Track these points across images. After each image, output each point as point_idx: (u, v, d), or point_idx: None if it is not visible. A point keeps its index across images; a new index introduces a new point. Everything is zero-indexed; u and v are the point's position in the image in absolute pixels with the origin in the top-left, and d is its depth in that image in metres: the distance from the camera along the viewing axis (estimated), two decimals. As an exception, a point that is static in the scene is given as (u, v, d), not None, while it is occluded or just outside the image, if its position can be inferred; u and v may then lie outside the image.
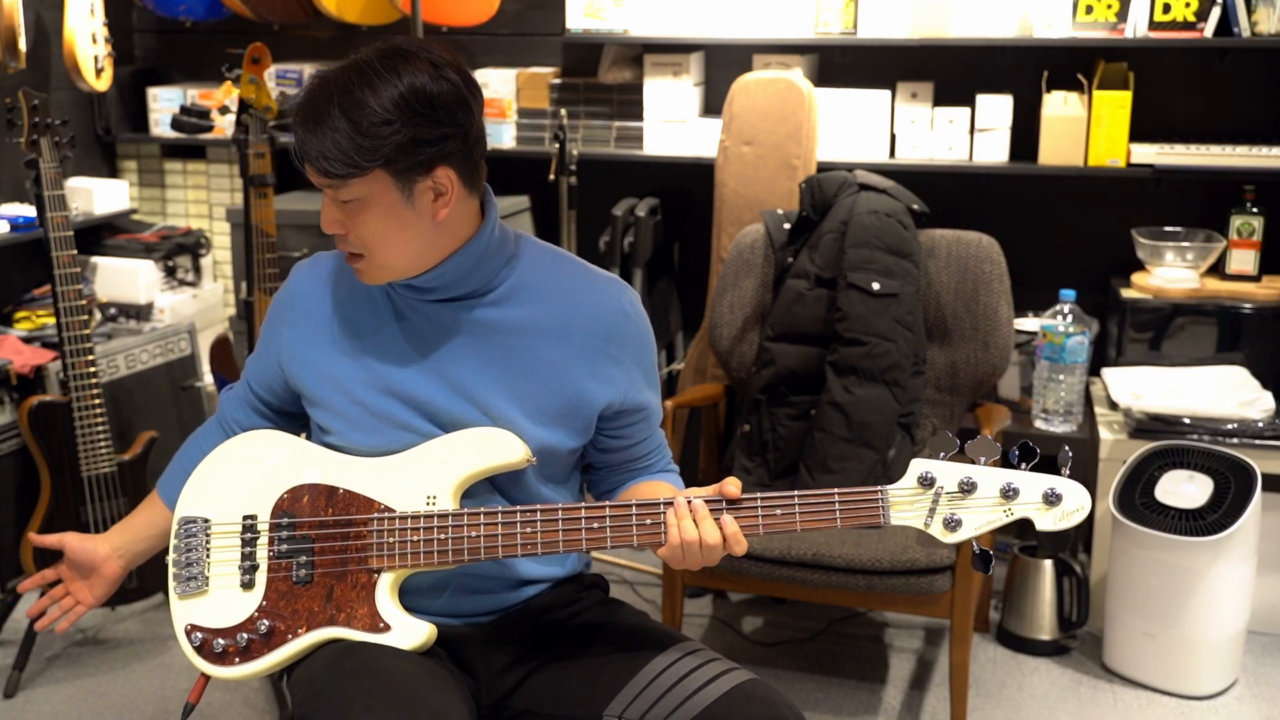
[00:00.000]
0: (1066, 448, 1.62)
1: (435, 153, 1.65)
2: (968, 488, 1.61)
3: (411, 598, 1.76)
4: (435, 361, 1.75)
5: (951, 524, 1.61)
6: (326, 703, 1.62)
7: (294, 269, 1.89)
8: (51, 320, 3.55)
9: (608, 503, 1.68)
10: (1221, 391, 3.25)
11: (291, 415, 1.90)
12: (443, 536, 1.69)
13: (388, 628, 1.70)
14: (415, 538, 1.70)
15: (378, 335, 1.77)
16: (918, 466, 1.62)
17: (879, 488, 1.63)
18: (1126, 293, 3.52)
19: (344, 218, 1.68)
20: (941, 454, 1.62)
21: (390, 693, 1.60)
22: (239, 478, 1.80)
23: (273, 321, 1.87)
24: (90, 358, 3.01)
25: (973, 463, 1.62)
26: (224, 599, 1.76)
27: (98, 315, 3.84)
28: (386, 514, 1.72)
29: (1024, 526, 3.57)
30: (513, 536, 1.68)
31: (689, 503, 1.65)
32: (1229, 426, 3.16)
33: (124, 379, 3.52)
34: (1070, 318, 3.33)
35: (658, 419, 1.90)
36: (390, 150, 1.62)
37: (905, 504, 1.62)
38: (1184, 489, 3.01)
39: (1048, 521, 1.61)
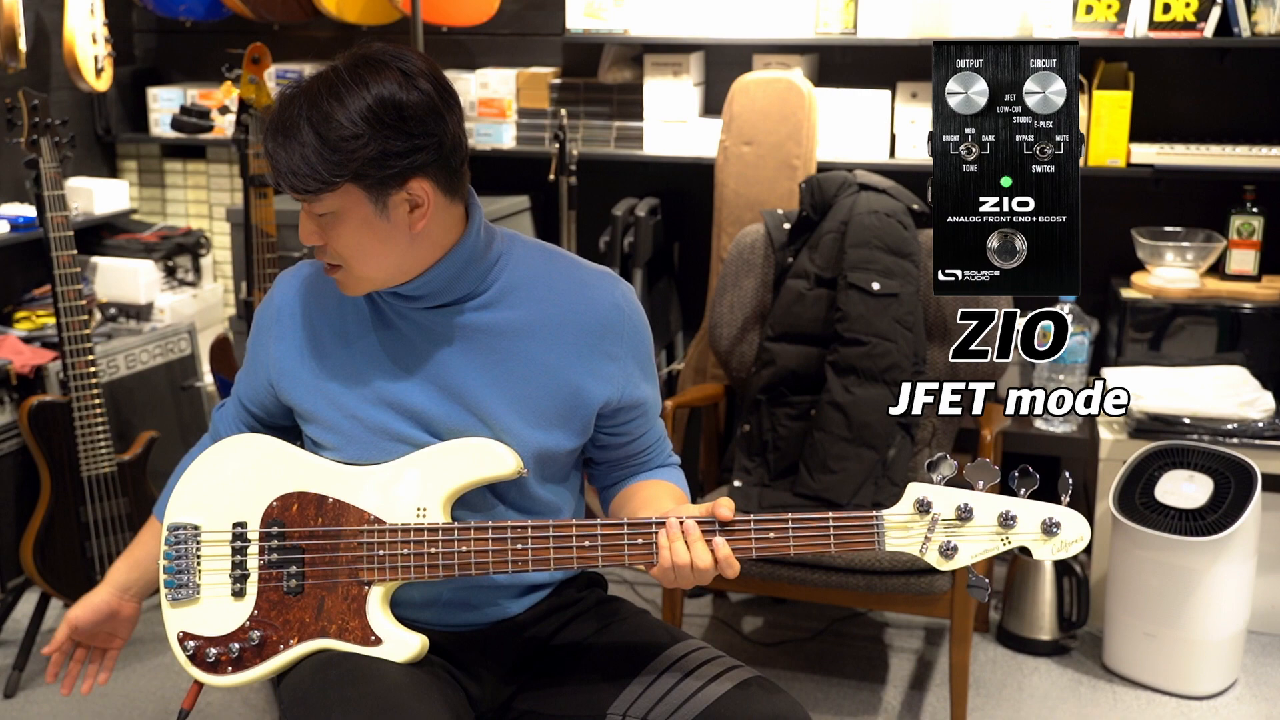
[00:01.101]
0: (1067, 474, 1.59)
1: (407, 165, 1.62)
2: (965, 515, 1.59)
3: (412, 607, 1.76)
4: (428, 369, 1.73)
5: (947, 551, 1.59)
6: (308, 710, 1.62)
7: (277, 279, 1.86)
8: (51, 320, 3.55)
9: (599, 520, 1.67)
10: (1221, 391, 3.25)
11: (286, 429, 1.88)
12: (433, 550, 1.68)
13: (379, 641, 1.69)
14: (405, 550, 1.69)
15: (368, 345, 1.75)
16: (915, 491, 1.60)
17: (875, 513, 1.61)
18: (1126, 293, 3.52)
19: (320, 230, 1.67)
20: (939, 477, 1.60)
21: (370, 702, 1.59)
22: (228, 484, 1.79)
23: (259, 336, 1.84)
24: (90, 358, 3.01)
25: (971, 487, 1.59)
26: (215, 607, 1.76)
27: (98, 315, 3.84)
28: (376, 525, 1.71)
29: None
30: (503, 553, 1.67)
31: (681, 524, 1.63)
32: (1229, 426, 3.16)
33: (124, 379, 3.52)
34: (1070, 318, 3.33)
35: (656, 411, 1.88)
36: (359, 164, 1.59)
37: (900, 529, 1.60)
38: (1184, 489, 3.01)
39: (1046, 552, 1.58)
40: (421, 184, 1.64)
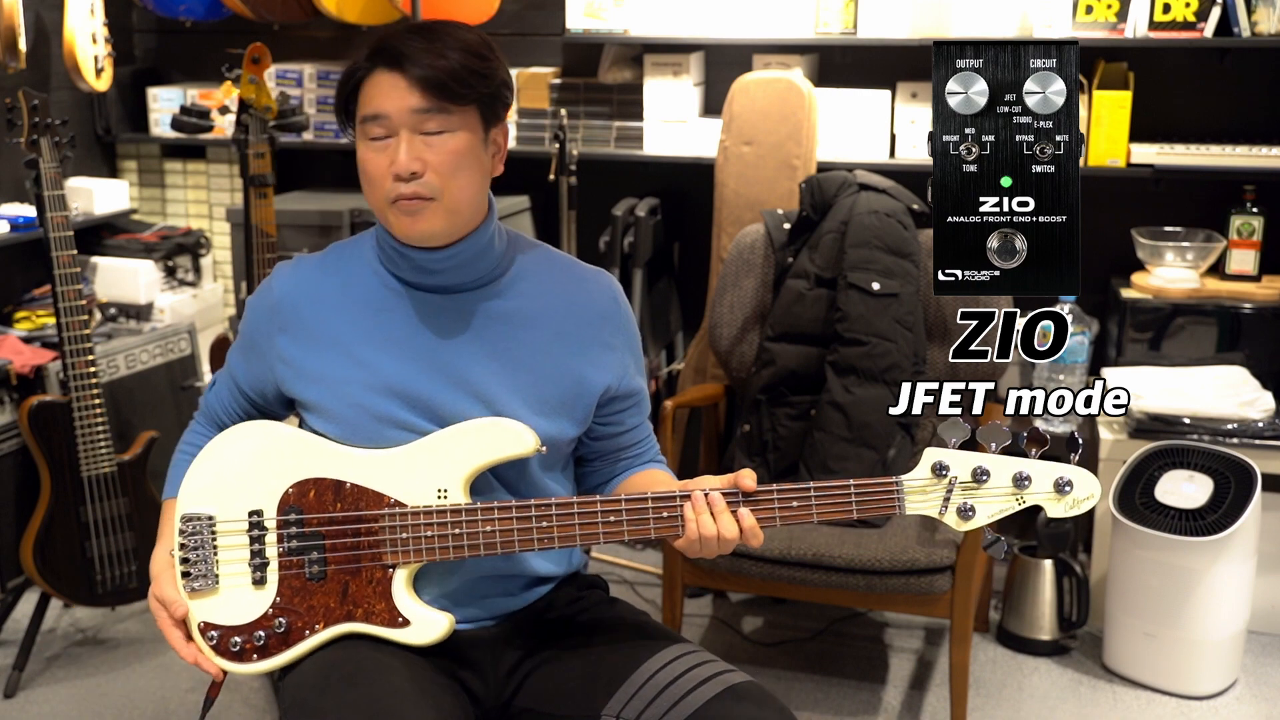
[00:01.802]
0: (1075, 433, 1.63)
1: (506, 104, 1.75)
2: (981, 477, 1.63)
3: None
4: (436, 357, 1.75)
5: (965, 512, 1.63)
6: (306, 712, 1.63)
7: (276, 271, 1.86)
8: (51, 320, 3.55)
9: (623, 495, 1.69)
10: (1221, 391, 3.25)
11: (279, 416, 1.89)
12: (457, 531, 1.69)
13: (407, 622, 1.71)
14: (429, 532, 1.70)
15: (375, 334, 1.77)
16: (931, 455, 1.64)
17: (895, 478, 1.65)
18: (1126, 293, 3.52)
19: (424, 156, 1.69)
20: (952, 441, 1.64)
21: (368, 705, 1.60)
22: (240, 472, 1.79)
23: (260, 326, 1.83)
24: (90, 358, 3.01)
25: (984, 449, 1.64)
26: (236, 596, 1.76)
27: (98, 315, 3.84)
28: (398, 509, 1.72)
29: (1024, 527, 3.57)
30: (528, 530, 1.68)
31: (706, 496, 1.66)
32: (1229, 426, 3.16)
33: (124, 379, 3.52)
34: (1070, 318, 3.33)
35: (647, 408, 1.92)
36: (494, 86, 1.71)
37: (919, 493, 1.64)
38: (1184, 489, 3.01)
39: (1059, 509, 1.63)
40: (504, 129, 1.78)
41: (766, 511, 1.66)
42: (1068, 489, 1.62)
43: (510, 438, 1.71)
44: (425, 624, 1.71)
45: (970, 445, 1.64)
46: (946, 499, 1.64)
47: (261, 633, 1.74)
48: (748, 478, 1.66)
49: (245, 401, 1.89)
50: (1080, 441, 1.63)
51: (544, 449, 1.73)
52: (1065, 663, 3.19)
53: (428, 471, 1.72)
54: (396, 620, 1.70)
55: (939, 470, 1.64)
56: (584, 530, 1.68)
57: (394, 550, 1.71)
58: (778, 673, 3.13)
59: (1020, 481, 1.63)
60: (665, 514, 1.67)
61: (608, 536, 1.68)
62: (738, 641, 3.30)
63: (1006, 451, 1.64)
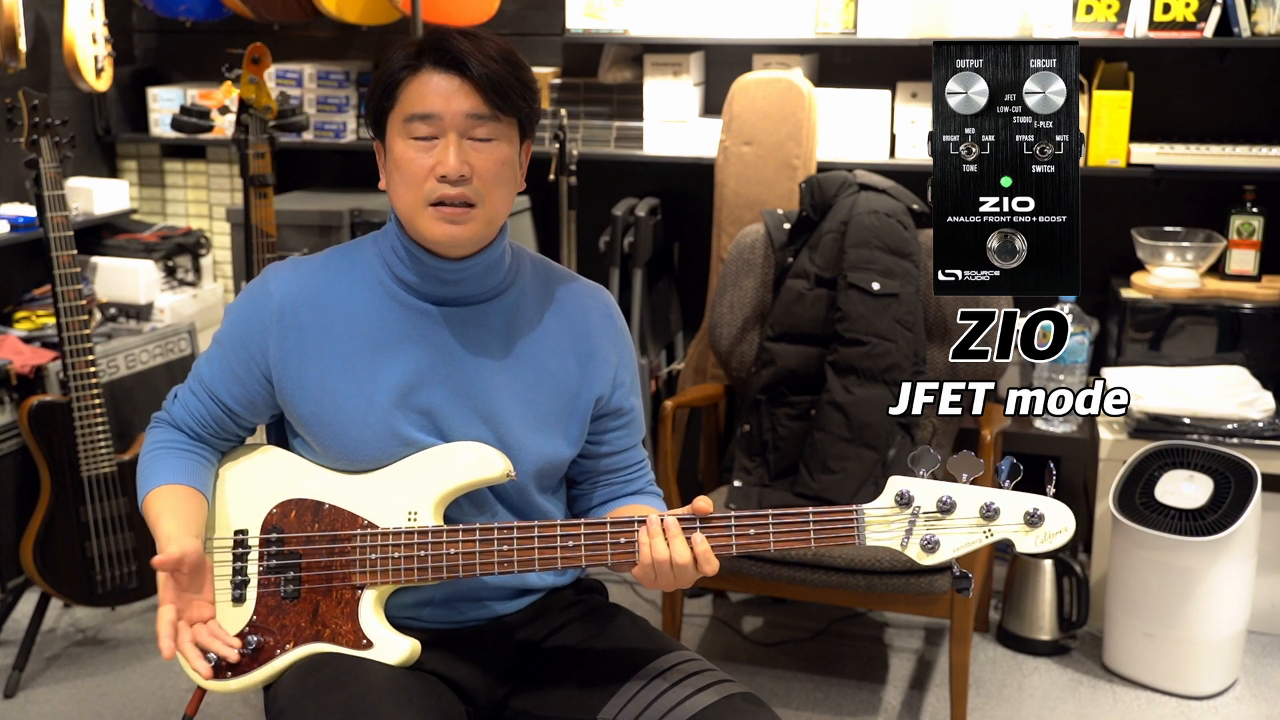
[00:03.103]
0: (1051, 465, 1.58)
1: (537, 120, 1.77)
2: (946, 507, 1.57)
3: (408, 607, 1.77)
4: (440, 369, 1.74)
5: (929, 545, 1.57)
6: (288, 717, 1.63)
7: (272, 275, 1.78)
8: (51, 320, 3.54)
9: (583, 520, 1.68)
10: (1221, 391, 3.25)
11: (250, 430, 1.86)
12: (423, 554, 1.69)
13: (371, 644, 1.70)
14: (397, 554, 1.70)
15: (379, 346, 1.74)
16: (895, 484, 1.59)
17: (854, 507, 1.59)
18: (1126, 293, 3.52)
19: (474, 159, 1.68)
20: (922, 470, 1.58)
21: (348, 705, 1.60)
22: (229, 492, 1.80)
23: (255, 332, 1.76)
24: (90, 358, 3.01)
25: (954, 480, 1.58)
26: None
27: (98, 315, 3.84)
28: (369, 529, 1.72)
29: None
30: (490, 554, 1.68)
31: (662, 520, 1.64)
32: (1229, 426, 3.16)
33: (124, 379, 3.52)
34: (1070, 318, 3.33)
35: (640, 433, 1.90)
36: (536, 101, 1.73)
37: (881, 524, 1.59)
38: (1184, 489, 3.01)
39: (1029, 544, 1.56)
40: (530, 146, 1.78)
41: (723, 538, 1.62)
42: (1039, 521, 1.55)
43: (481, 463, 1.71)
44: (389, 646, 1.70)
45: (941, 476, 1.58)
46: (909, 530, 1.57)
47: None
48: (704, 501, 1.64)
49: (225, 415, 1.81)
50: (1056, 473, 1.57)
51: (514, 475, 1.72)
52: (1065, 663, 3.19)
53: (401, 494, 1.72)
54: (361, 642, 1.70)
55: (902, 500, 1.57)
56: (543, 555, 1.67)
57: (363, 570, 1.71)
58: (778, 673, 3.13)
59: (988, 513, 1.56)
60: (623, 540, 1.65)
61: (566, 562, 1.67)
62: (738, 641, 3.30)
63: (980, 482, 1.57)
